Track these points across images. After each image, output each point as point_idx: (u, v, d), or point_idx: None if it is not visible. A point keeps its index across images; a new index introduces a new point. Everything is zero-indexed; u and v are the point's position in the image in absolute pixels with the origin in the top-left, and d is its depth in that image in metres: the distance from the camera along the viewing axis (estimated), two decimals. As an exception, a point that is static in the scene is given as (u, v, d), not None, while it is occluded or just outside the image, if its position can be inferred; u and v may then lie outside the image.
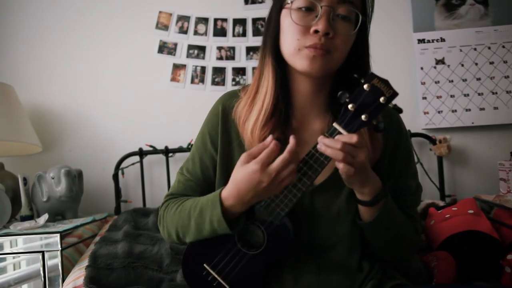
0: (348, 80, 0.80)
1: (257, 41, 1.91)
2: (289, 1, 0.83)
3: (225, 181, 0.92)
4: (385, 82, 0.74)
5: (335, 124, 0.77)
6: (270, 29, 0.89)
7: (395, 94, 0.74)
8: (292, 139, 0.77)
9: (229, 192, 0.81)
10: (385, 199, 0.83)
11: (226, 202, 0.81)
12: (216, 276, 0.86)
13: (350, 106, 0.75)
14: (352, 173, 0.76)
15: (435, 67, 1.90)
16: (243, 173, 0.78)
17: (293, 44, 0.83)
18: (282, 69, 0.89)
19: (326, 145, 0.75)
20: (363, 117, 0.74)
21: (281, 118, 0.88)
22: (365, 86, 0.74)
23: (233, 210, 0.81)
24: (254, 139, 0.86)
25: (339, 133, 0.76)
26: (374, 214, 0.83)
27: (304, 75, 0.87)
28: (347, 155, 0.74)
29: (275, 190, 0.78)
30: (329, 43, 0.81)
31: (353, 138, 0.74)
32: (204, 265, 0.88)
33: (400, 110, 0.78)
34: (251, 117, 0.87)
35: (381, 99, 0.74)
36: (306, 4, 0.82)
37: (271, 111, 0.87)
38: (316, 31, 0.80)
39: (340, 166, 0.75)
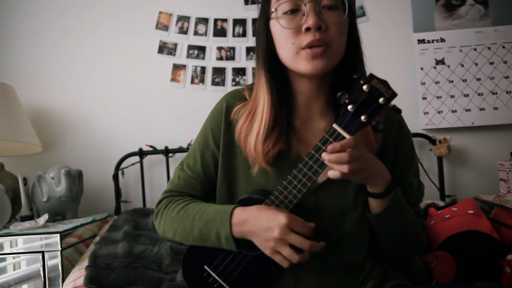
0: (346, 77, 0.81)
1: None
2: (273, 9, 0.84)
3: (226, 180, 0.93)
4: (384, 83, 0.74)
5: (334, 125, 0.77)
6: (260, 43, 0.89)
7: (394, 94, 0.74)
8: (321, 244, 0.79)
9: (239, 218, 0.83)
10: (395, 190, 0.84)
11: (234, 227, 0.83)
12: (217, 278, 0.86)
13: (349, 107, 0.75)
14: (363, 176, 0.79)
15: (435, 67, 1.90)
16: (270, 212, 0.80)
17: (290, 49, 0.83)
18: (279, 75, 0.89)
19: (329, 160, 0.76)
20: (362, 118, 0.74)
21: (284, 128, 0.88)
22: (365, 87, 0.74)
23: (234, 231, 0.84)
24: (258, 154, 0.86)
25: (339, 134, 0.76)
26: (385, 205, 0.84)
27: (307, 77, 0.86)
28: (351, 166, 0.75)
29: (273, 249, 0.79)
30: (325, 36, 0.80)
31: (351, 142, 0.75)
32: (205, 266, 0.88)
33: (399, 111, 0.78)
34: (252, 132, 0.87)
35: (380, 100, 0.74)
36: (290, 6, 0.82)
37: (272, 125, 0.86)
38: (308, 29, 0.80)
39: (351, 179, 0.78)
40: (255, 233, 0.81)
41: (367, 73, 0.85)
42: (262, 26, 0.88)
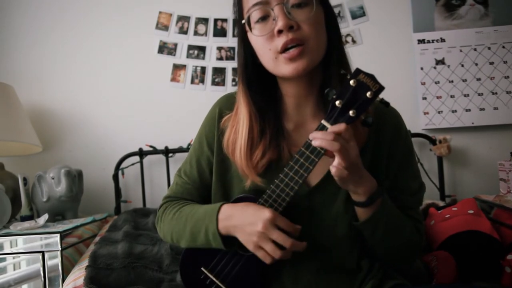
0: (335, 74, 0.82)
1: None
2: (244, 21, 0.84)
3: (220, 184, 0.93)
4: (371, 77, 0.74)
5: (323, 121, 0.77)
6: (239, 58, 0.89)
7: (381, 88, 0.74)
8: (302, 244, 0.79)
9: (226, 213, 0.84)
10: (381, 198, 0.82)
11: (220, 222, 0.84)
12: (214, 279, 0.87)
13: (337, 102, 0.75)
14: (345, 174, 0.76)
15: (435, 68, 1.90)
16: (255, 207, 0.81)
17: (269, 56, 0.82)
18: (266, 83, 0.89)
19: (320, 138, 0.74)
20: (350, 112, 0.75)
21: (271, 137, 0.87)
22: (351, 82, 0.74)
23: (222, 229, 0.84)
24: (246, 168, 0.86)
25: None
26: (369, 213, 0.82)
27: (293, 79, 0.85)
28: (342, 146, 0.73)
29: (255, 244, 0.79)
30: (298, 35, 0.79)
31: (341, 126, 0.74)
32: (202, 268, 0.88)
33: (387, 104, 0.78)
34: (236, 148, 0.87)
35: (368, 94, 0.74)
36: (260, 14, 0.82)
37: (256, 137, 0.86)
38: (280, 31, 0.79)
39: (333, 170, 0.76)
40: (239, 227, 0.81)
41: (351, 65, 0.85)
42: (240, 40, 0.89)
